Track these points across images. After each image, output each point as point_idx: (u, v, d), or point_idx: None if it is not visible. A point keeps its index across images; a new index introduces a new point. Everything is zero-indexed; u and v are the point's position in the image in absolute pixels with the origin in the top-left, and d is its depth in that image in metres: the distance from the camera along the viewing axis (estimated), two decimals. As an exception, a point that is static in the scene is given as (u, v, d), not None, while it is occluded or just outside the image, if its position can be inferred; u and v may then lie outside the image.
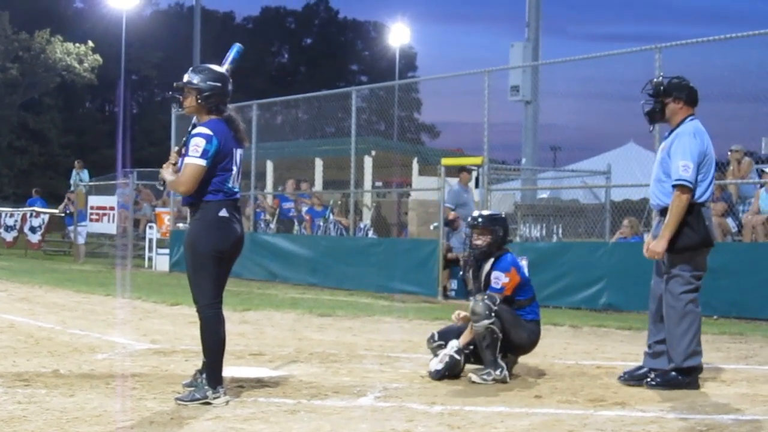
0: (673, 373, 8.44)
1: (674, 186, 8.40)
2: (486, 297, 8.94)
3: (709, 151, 8.57)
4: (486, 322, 8.80)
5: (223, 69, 8.15)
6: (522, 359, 9.32)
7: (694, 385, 8.46)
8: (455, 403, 7.77)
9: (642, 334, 10.20)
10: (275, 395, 7.97)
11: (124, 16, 55.37)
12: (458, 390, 8.43)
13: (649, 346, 8.86)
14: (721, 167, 17.42)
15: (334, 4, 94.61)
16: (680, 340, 8.46)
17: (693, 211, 8.45)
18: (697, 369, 8.56)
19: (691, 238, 8.48)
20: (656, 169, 8.73)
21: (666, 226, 8.45)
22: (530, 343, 9.13)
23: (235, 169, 7.81)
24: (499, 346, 8.83)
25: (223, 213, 7.69)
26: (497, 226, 9.33)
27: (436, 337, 9.32)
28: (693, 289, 8.57)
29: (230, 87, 8.03)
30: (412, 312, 15.29)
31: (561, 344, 11.66)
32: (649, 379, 8.51)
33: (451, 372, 8.90)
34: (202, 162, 7.56)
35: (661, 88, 8.72)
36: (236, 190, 7.85)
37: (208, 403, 7.42)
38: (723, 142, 17.84)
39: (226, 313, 13.72)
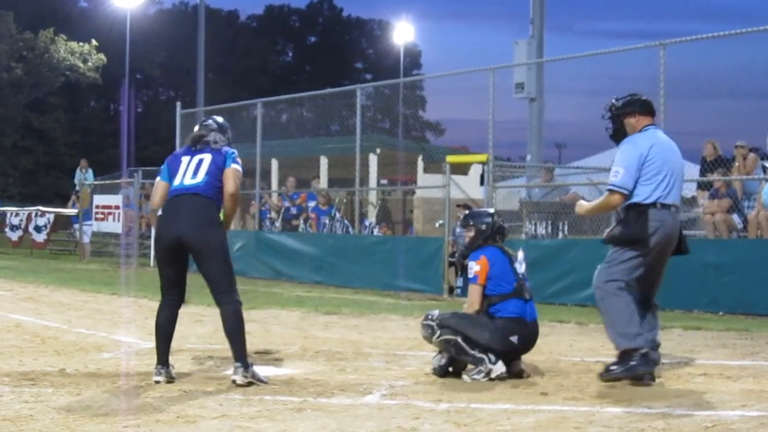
0: (622, 358, 8.40)
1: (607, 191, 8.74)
2: (423, 318, 9.08)
3: (658, 153, 8.59)
4: (435, 339, 8.87)
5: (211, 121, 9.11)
6: (527, 357, 9.28)
7: (646, 365, 8.34)
8: (461, 400, 7.76)
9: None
10: (281, 393, 7.98)
11: (129, 15, 55.33)
12: (464, 387, 8.42)
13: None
14: (727, 163, 17.42)
15: (338, 2, 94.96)
16: (616, 324, 8.45)
17: (635, 210, 8.56)
18: (643, 350, 8.36)
19: (623, 233, 8.66)
20: None
21: (588, 205, 9.24)
22: (499, 340, 8.78)
23: (181, 170, 8.65)
24: (471, 344, 8.79)
25: (161, 212, 8.71)
26: (477, 222, 9.32)
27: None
28: (619, 280, 8.53)
29: (196, 132, 8.97)
30: (418, 310, 15.28)
31: (567, 341, 11.66)
32: (603, 372, 8.49)
33: (454, 367, 8.90)
34: (158, 179, 8.90)
35: (614, 108, 8.97)
36: (181, 186, 8.60)
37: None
38: (728, 138, 17.85)
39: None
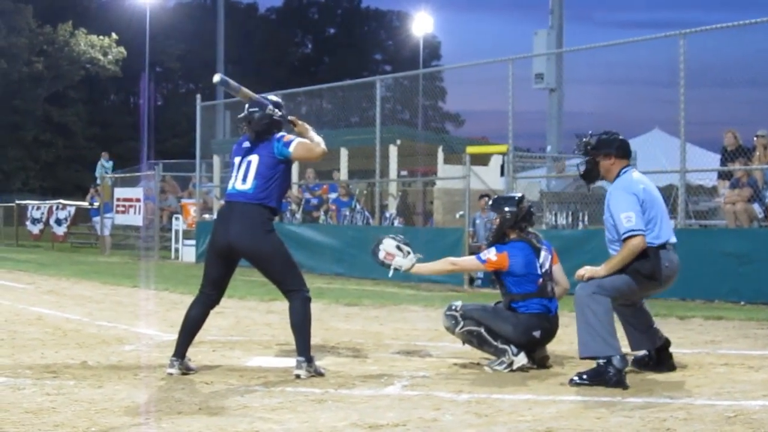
0: (597, 370, 8.04)
1: (623, 240, 8.12)
2: (445, 308, 9.18)
3: (648, 194, 8.29)
4: (458, 330, 8.97)
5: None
6: (549, 347, 9.28)
7: (618, 378, 7.93)
8: (482, 391, 7.77)
9: (667, 321, 10.20)
10: (302, 385, 7.99)
11: (148, 8, 55.49)
12: (485, 378, 8.43)
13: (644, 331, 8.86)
14: (747, 153, 17.36)
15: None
16: (594, 326, 8.05)
17: (650, 250, 8.16)
18: (615, 358, 8.00)
19: (637, 267, 8.16)
20: (607, 232, 8.52)
21: (610, 261, 8.24)
22: (521, 333, 8.81)
23: (234, 172, 8.56)
24: (494, 336, 8.81)
25: (216, 216, 8.94)
26: (502, 210, 9.19)
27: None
28: (604, 294, 8.16)
29: (246, 113, 8.66)
30: (438, 301, 15.28)
31: (587, 332, 11.60)
32: (575, 378, 8.15)
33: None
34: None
35: (589, 147, 8.52)
36: (233, 190, 8.52)
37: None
38: (748, 128, 17.79)
39: (252, 303, 13.74)
